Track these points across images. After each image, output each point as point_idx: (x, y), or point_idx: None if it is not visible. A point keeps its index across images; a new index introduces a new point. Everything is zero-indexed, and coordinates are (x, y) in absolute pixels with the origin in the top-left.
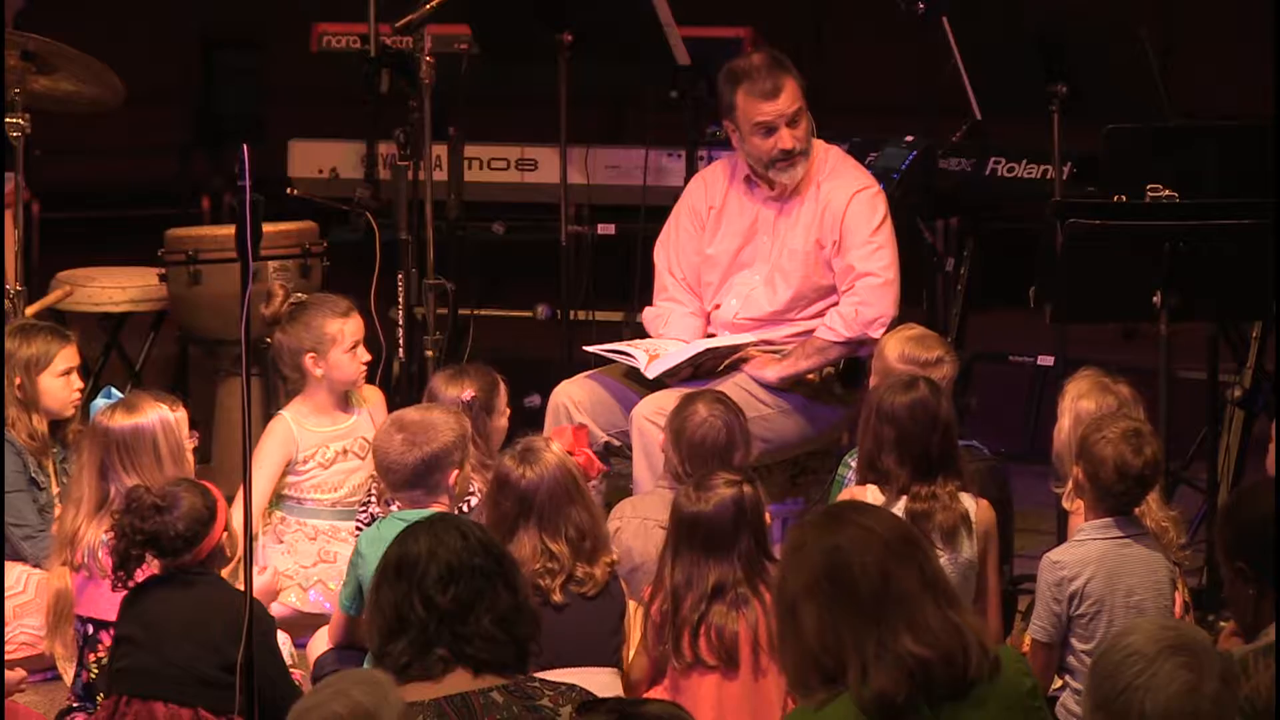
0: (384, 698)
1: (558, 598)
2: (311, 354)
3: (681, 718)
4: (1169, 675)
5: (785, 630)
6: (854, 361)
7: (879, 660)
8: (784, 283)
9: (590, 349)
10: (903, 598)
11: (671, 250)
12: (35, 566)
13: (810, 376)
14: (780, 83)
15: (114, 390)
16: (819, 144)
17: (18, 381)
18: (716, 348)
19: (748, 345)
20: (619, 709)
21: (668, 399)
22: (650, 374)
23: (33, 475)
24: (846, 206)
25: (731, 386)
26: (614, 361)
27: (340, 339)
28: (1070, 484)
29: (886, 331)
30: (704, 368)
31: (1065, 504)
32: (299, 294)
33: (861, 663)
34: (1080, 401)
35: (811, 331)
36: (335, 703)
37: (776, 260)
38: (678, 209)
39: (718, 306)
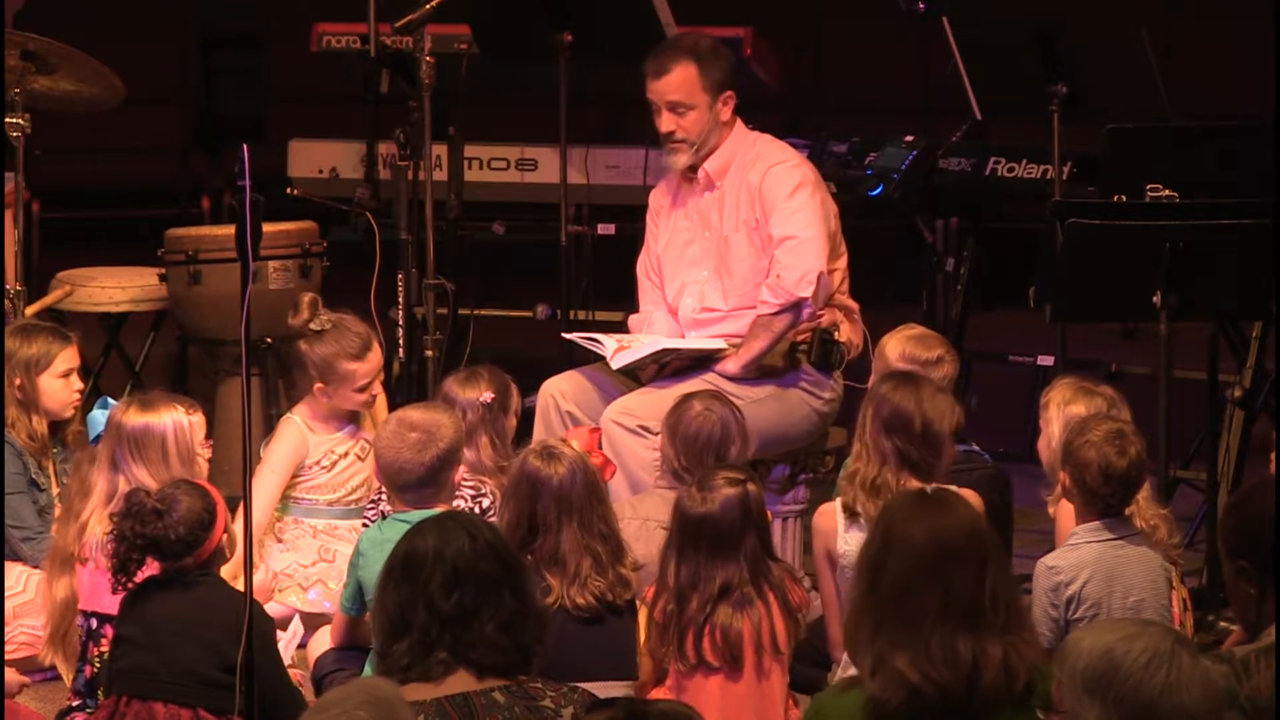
0: (391, 714)
1: (610, 598)
2: (320, 385)
3: (690, 717)
4: (1191, 664)
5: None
6: (826, 346)
7: (879, 667)
8: (727, 272)
9: (568, 336)
10: (913, 618)
11: (645, 256)
12: (35, 568)
13: (777, 362)
14: (667, 65)
15: (110, 401)
16: (749, 135)
17: (18, 382)
18: (680, 349)
19: (714, 350)
20: (627, 708)
21: (634, 400)
22: (614, 364)
23: (33, 477)
24: (761, 181)
25: (699, 384)
26: (596, 352)
27: (351, 379)
28: (1056, 489)
29: (820, 290)
30: (670, 367)
31: (1051, 511)
32: (325, 316)
33: (867, 660)
34: (1070, 407)
35: None
36: None
37: (717, 251)
38: (646, 217)
39: (676, 309)
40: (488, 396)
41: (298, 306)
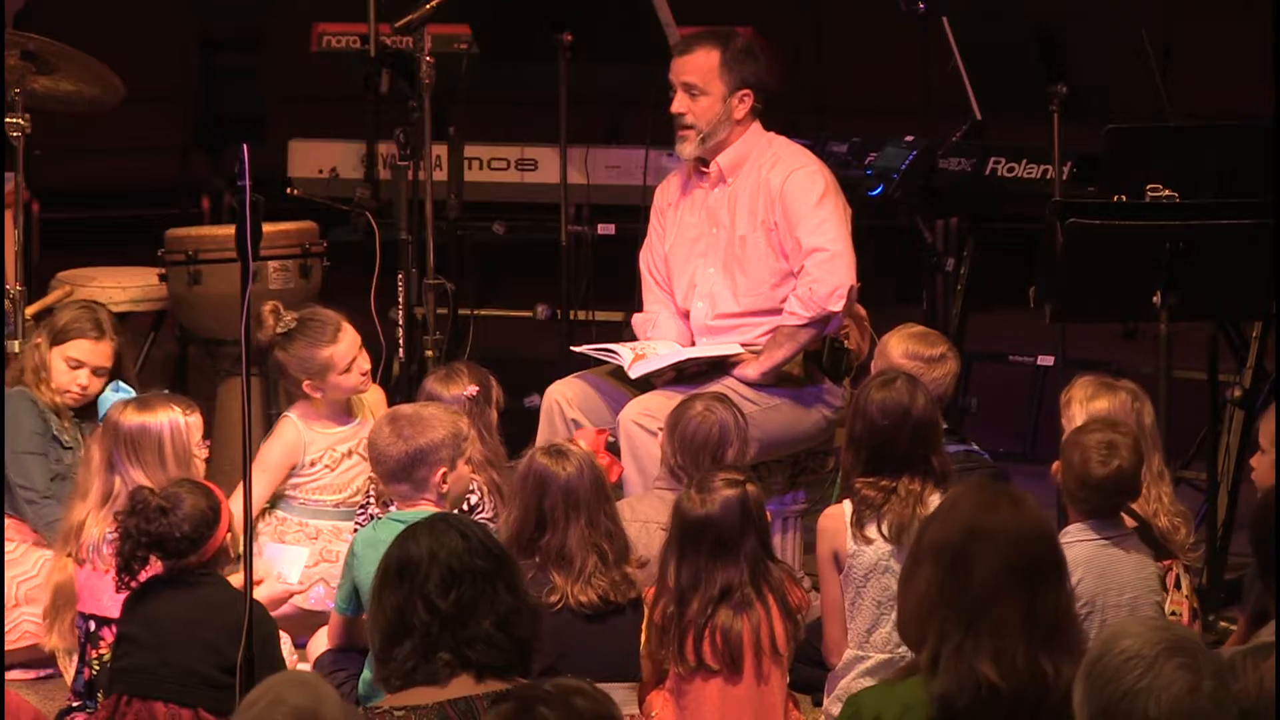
0: (320, 696)
1: (614, 597)
2: (308, 382)
3: (581, 689)
4: (1170, 677)
5: (904, 575)
6: (836, 354)
7: (953, 661)
8: (740, 271)
9: (578, 349)
10: (1002, 621)
11: (650, 254)
12: (34, 533)
13: (795, 370)
14: (692, 46)
15: (123, 385)
16: (765, 135)
17: (37, 340)
18: (699, 357)
19: (732, 355)
20: (519, 695)
21: (654, 401)
22: (633, 374)
23: (55, 434)
24: (783, 185)
25: (718, 389)
26: (604, 362)
27: (332, 365)
28: None
29: (848, 303)
30: (687, 372)
31: None
32: (289, 316)
33: (936, 653)
34: (1093, 403)
35: None
36: (274, 712)
37: (728, 248)
38: (651, 212)
39: (688, 312)
40: (472, 390)
41: (261, 321)
